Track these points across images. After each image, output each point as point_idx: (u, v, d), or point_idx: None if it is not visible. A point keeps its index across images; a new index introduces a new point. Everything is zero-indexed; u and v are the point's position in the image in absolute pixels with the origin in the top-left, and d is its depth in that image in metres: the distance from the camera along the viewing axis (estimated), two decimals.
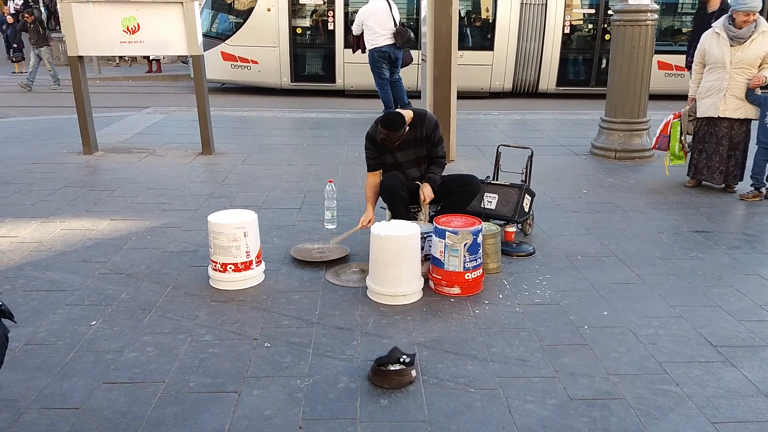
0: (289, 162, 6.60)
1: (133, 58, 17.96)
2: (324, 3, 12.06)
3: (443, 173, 4.24)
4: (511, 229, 4.27)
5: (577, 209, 5.13)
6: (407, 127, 3.96)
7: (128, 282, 3.68)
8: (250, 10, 11.90)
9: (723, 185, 5.66)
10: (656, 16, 6.52)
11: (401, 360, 2.75)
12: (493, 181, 4.55)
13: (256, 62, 12.05)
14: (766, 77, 5.23)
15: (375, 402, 2.58)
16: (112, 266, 3.90)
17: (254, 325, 3.19)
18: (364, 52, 8.94)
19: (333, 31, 12.06)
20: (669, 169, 6.07)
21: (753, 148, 5.50)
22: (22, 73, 14.91)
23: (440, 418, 2.48)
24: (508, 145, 4.80)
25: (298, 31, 12.23)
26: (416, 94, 9.86)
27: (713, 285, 3.75)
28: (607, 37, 12.44)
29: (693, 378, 2.77)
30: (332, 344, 3.02)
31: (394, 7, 8.78)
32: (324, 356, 2.91)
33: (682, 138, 5.82)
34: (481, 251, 3.58)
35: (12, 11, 18.85)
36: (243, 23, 11.99)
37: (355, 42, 9.28)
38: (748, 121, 5.47)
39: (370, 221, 4.05)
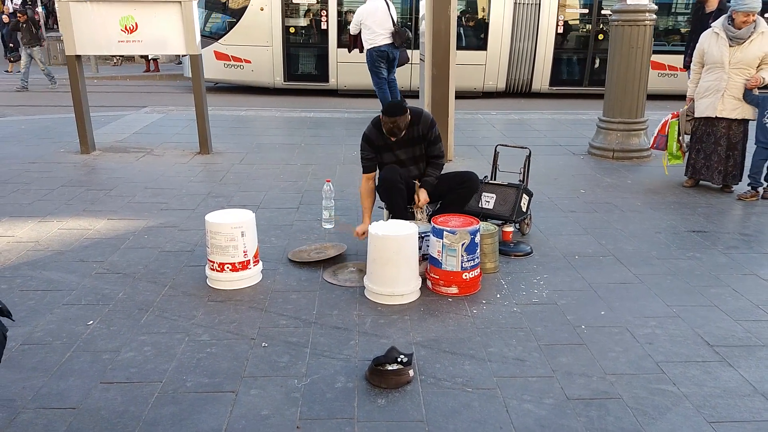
0: (286, 161, 6.60)
1: (129, 58, 17.92)
2: (317, 2, 12.05)
3: (442, 172, 4.23)
4: (509, 228, 4.27)
5: (574, 209, 5.13)
6: (409, 115, 3.94)
7: (125, 281, 3.68)
8: (243, 10, 11.88)
9: (721, 185, 5.67)
10: (654, 16, 6.52)
11: (399, 360, 2.75)
12: (491, 181, 4.55)
13: (249, 61, 12.04)
14: (764, 78, 5.24)
15: (372, 402, 2.58)
16: (109, 266, 3.90)
17: (251, 325, 3.19)
18: (361, 51, 8.94)
19: (326, 31, 12.05)
20: (667, 168, 6.08)
21: (751, 147, 5.51)
22: (13, 72, 14.82)
23: (437, 418, 2.48)
24: (506, 145, 4.80)
25: (292, 30, 12.22)
26: (408, 94, 9.89)
27: (710, 285, 3.75)
28: (600, 37, 12.49)
29: (690, 378, 2.78)
30: (330, 344, 3.02)
31: (392, 6, 8.79)
32: (321, 356, 2.91)
33: (680, 138, 5.82)
34: (478, 251, 3.58)
35: (11, 11, 18.80)
36: (236, 22, 11.97)
37: (351, 41, 9.23)
38: (746, 121, 5.48)
39: (364, 234, 3.98)
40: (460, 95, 11.33)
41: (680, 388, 2.70)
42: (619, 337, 3.12)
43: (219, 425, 2.42)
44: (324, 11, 11.97)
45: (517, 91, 12.62)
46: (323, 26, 12.05)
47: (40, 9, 22.35)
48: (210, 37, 12.10)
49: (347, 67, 11.87)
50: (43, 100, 11.61)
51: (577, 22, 12.63)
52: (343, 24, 12.08)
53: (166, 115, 9.28)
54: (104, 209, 4.96)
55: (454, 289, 3.53)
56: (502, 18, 11.99)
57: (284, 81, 12.30)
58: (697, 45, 5.62)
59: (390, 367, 2.71)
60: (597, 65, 12.53)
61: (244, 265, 3.60)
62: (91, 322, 3.20)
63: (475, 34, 12.39)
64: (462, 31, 12.38)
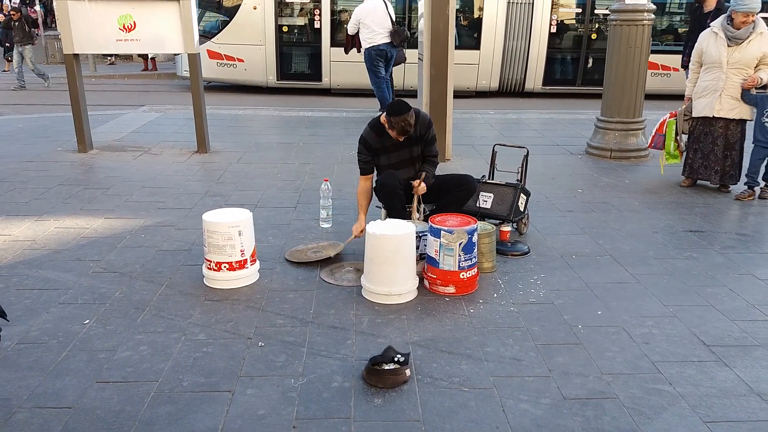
0: (284, 161, 6.59)
1: (126, 57, 17.87)
2: (310, 1, 12.03)
3: (437, 173, 4.23)
4: (507, 228, 4.28)
5: (572, 209, 5.13)
6: (413, 111, 3.93)
7: (122, 281, 3.67)
8: (236, 8, 11.85)
9: (719, 185, 5.67)
10: (653, 16, 6.53)
11: (395, 359, 2.75)
12: (488, 181, 4.55)
13: (242, 60, 12.01)
14: (761, 78, 5.24)
15: (369, 401, 2.58)
16: (106, 265, 3.89)
17: (248, 324, 3.19)
18: (359, 51, 8.93)
19: (319, 30, 12.02)
20: (664, 168, 6.09)
21: (749, 147, 5.52)
22: (10, 71, 14.75)
23: (434, 418, 2.48)
24: (503, 145, 4.80)
25: (284, 29, 12.19)
26: (401, 93, 9.88)
27: (707, 285, 3.76)
28: (593, 36, 12.49)
29: (686, 377, 2.78)
30: (327, 343, 3.02)
31: (390, 6, 8.79)
32: (318, 355, 2.91)
33: (678, 137, 5.83)
34: (476, 250, 3.58)
35: (9, 9, 18.76)
36: (229, 21, 11.95)
37: (348, 41, 9.18)
38: (743, 121, 5.48)
39: (362, 231, 4.00)
40: (454, 95, 11.35)
41: (676, 387, 2.71)
42: (615, 337, 3.12)
43: (215, 425, 2.42)
44: (317, 10, 11.95)
45: (511, 90, 12.62)
46: (316, 25, 12.03)
47: (38, 7, 22.31)
48: (203, 36, 12.06)
49: (340, 67, 11.87)
50: (41, 99, 11.59)
51: (571, 21, 12.62)
52: (336, 23, 12.07)
53: (163, 114, 9.27)
54: (101, 208, 4.95)
55: (451, 289, 3.53)
56: (495, 17, 11.97)
57: (277, 80, 12.28)
58: (696, 45, 5.63)
59: (387, 367, 2.71)
60: (590, 65, 12.55)
61: (242, 265, 3.59)
62: (88, 321, 3.20)
63: (468, 34, 12.39)
64: (455, 30, 12.38)
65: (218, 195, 5.36)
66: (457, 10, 12.47)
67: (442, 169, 4.31)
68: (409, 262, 3.48)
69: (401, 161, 4.12)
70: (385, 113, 3.93)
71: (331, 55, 11.99)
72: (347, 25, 9.16)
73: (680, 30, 12.69)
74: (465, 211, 4.01)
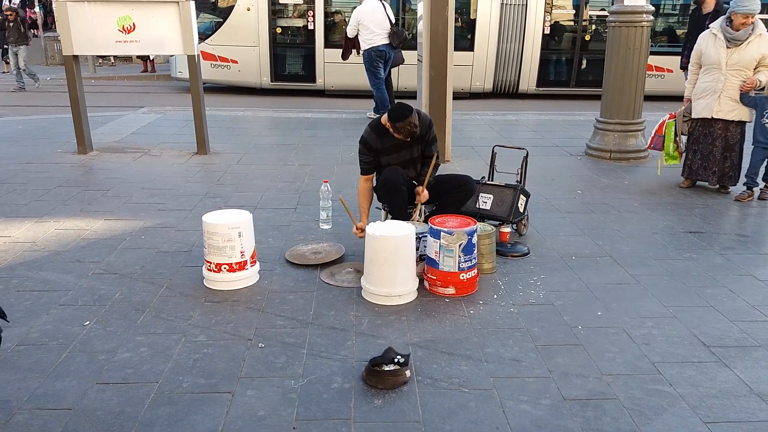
0: (284, 162, 6.59)
1: (126, 58, 17.89)
2: (304, 3, 12.03)
3: (438, 173, 4.23)
4: (506, 229, 4.28)
5: (571, 210, 5.14)
6: (414, 111, 3.93)
7: (122, 282, 3.67)
8: (229, 10, 11.86)
9: (718, 186, 5.68)
10: (651, 17, 6.53)
11: (395, 360, 2.75)
12: (488, 182, 4.55)
13: (236, 62, 12.02)
14: (759, 81, 5.24)
15: (369, 402, 2.58)
16: (106, 266, 3.89)
17: (248, 326, 3.19)
18: (359, 53, 8.93)
19: (313, 31, 12.04)
20: (662, 169, 6.10)
21: (749, 148, 5.52)
22: (9, 72, 14.74)
23: (434, 419, 2.48)
24: (503, 146, 4.80)
25: (278, 30, 12.20)
26: (397, 94, 9.87)
27: (707, 285, 3.76)
28: (587, 37, 12.51)
29: (686, 378, 2.78)
30: (326, 345, 3.02)
31: (388, 7, 8.80)
32: (318, 357, 2.91)
33: (677, 138, 5.84)
34: (476, 251, 3.59)
35: (6, 10, 18.75)
36: (223, 23, 11.95)
37: (347, 45, 9.08)
38: (743, 122, 5.49)
39: (363, 231, 3.99)
40: None
41: (676, 388, 2.71)
42: (615, 338, 3.13)
43: (215, 426, 2.42)
44: (311, 11, 11.96)
45: (504, 91, 12.64)
46: (310, 26, 12.04)
47: (37, 9, 22.32)
48: None
49: (334, 68, 11.89)
50: (40, 101, 11.59)
51: (564, 22, 12.64)
52: (330, 25, 12.08)
53: (163, 116, 9.27)
54: (101, 210, 4.95)
55: (451, 290, 3.53)
56: (489, 19, 11.99)
57: (271, 81, 12.29)
58: (695, 46, 5.63)
59: (387, 368, 2.71)
60: (584, 66, 12.58)
61: (241, 266, 3.59)
62: (88, 322, 3.20)
63: (462, 35, 12.40)
64: None
65: (218, 196, 5.36)
66: None
67: (441, 170, 4.31)
68: (408, 264, 3.48)
69: (402, 162, 4.12)
70: (388, 119, 3.93)
71: (325, 56, 12.02)
72: (346, 27, 9.14)
73: (673, 31, 12.70)
74: (465, 212, 4.02)
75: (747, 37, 5.24)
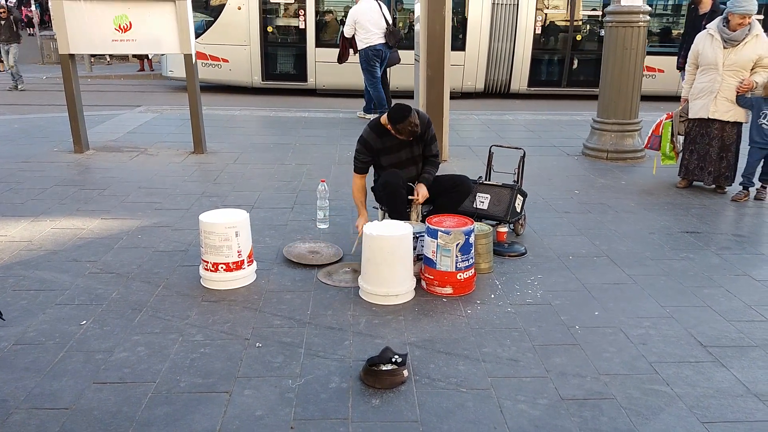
0: (281, 161, 6.59)
1: (123, 57, 17.83)
2: (295, 2, 12.01)
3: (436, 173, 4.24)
4: (503, 229, 4.28)
5: (568, 210, 5.14)
6: (414, 111, 3.93)
7: (119, 281, 3.66)
8: (220, 8, 11.82)
9: (713, 186, 5.69)
10: (648, 18, 6.55)
11: (393, 360, 2.75)
12: (485, 182, 4.56)
13: (227, 61, 11.98)
14: (756, 82, 5.25)
15: (367, 402, 2.58)
16: (103, 265, 3.88)
17: (246, 325, 3.18)
18: (356, 53, 8.93)
19: (304, 30, 12.01)
20: (658, 169, 6.11)
21: (745, 149, 5.53)
22: (1, 72, 14.66)
23: (432, 418, 2.48)
24: (500, 146, 4.81)
25: (269, 29, 12.18)
26: (397, 94, 9.88)
27: (703, 285, 3.77)
28: (578, 37, 12.52)
29: (683, 378, 2.79)
30: (324, 344, 3.02)
31: (384, 7, 8.81)
32: (316, 356, 2.91)
33: (674, 138, 5.85)
34: (473, 251, 3.59)
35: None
36: (213, 21, 11.92)
37: (343, 48, 9.02)
38: (739, 123, 5.50)
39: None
40: None
41: (673, 388, 2.71)
42: (612, 338, 3.13)
43: (213, 426, 2.42)
44: (302, 10, 11.94)
45: (496, 91, 12.64)
46: (301, 25, 12.02)
47: (33, 7, 22.25)
48: None
49: (326, 67, 11.88)
50: (37, 99, 11.55)
51: (556, 22, 12.65)
52: (321, 24, 12.07)
53: (160, 115, 9.25)
54: (98, 209, 4.94)
55: (448, 290, 3.53)
56: (480, 18, 11.98)
57: (262, 80, 12.26)
58: (692, 46, 5.64)
59: (384, 368, 2.71)
60: (575, 66, 12.60)
61: (238, 265, 3.59)
62: (84, 322, 3.19)
63: (453, 35, 12.37)
64: None
65: (215, 196, 5.35)
66: None
67: (439, 169, 4.31)
68: (406, 263, 3.48)
69: (403, 161, 4.12)
70: (388, 120, 3.93)
71: (316, 55, 12.01)
72: (338, 26, 9.10)
73: (665, 32, 12.71)
74: (462, 212, 4.02)
75: (744, 38, 5.26)
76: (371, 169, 4.27)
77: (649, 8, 6.57)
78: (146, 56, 15.99)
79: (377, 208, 4.34)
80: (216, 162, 6.52)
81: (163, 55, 12.65)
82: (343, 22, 12.04)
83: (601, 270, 3.97)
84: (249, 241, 3.67)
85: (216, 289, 3.57)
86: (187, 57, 6.64)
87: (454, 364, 2.86)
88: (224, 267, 3.55)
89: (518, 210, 4.43)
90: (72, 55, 6.58)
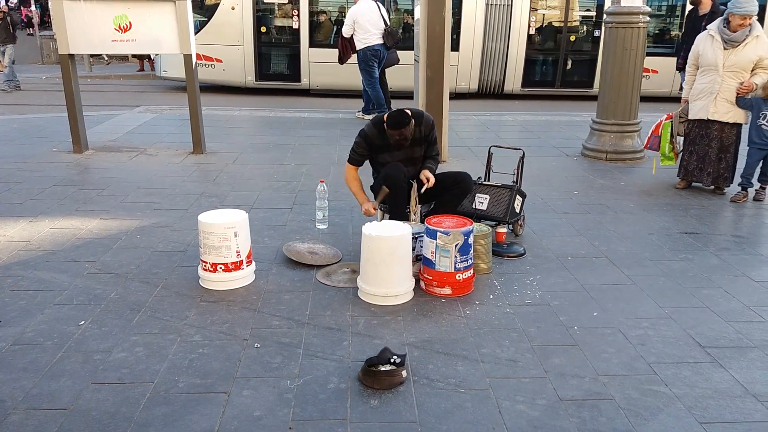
0: (280, 162, 6.59)
1: (123, 57, 17.82)
2: (288, 2, 12.00)
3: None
4: (502, 229, 4.28)
5: (567, 210, 5.14)
6: (413, 121, 3.95)
7: (117, 282, 3.66)
8: (214, 9, 11.81)
9: (712, 187, 5.69)
10: (648, 18, 6.55)
11: (392, 360, 2.74)
12: (484, 182, 4.56)
13: (221, 61, 11.97)
14: (756, 84, 5.25)
15: (365, 402, 2.58)
16: (102, 266, 3.88)
17: (244, 326, 3.18)
18: (355, 52, 8.93)
19: (298, 30, 12.02)
20: (657, 170, 6.11)
21: (744, 150, 5.54)
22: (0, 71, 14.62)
23: (430, 419, 2.48)
24: (499, 146, 4.81)
25: (263, 29, 12.17)
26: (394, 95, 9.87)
27: (702, 286, 3.77)
28: (572, 38, 12.53)
29: (682, 378, 2.79)
30: (323, 345, 3.02)
31: (383, 7, 8.82)
32: (314, 357, 2.91)
33: (673, 139, 5.85)
34: (472, 252, 3.59)
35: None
36: (207, 22, 11.92)
37: (342, 49, 9.00)
38: (738, 124, 5.50)
39: (374, 207, 4.08)
40: None
41: (672, 389, 2.71)
42: (611, 338, 3.13)
43: (211, 426, 2.41)
44: (295, 10, 11.94)
45: (490, 92, 12.64)
46: (295, 26, 12.02)
47: (33, 7, 22.24)
48: None
49: (319, 67, 11.90)
50: (36, 99, 11.55)
51: (550, 23, 12.66)
52: (315, 24, 12.07)
53: (159, 115, 9.26)
54: (97, 209, 4.93)
55: (447, 290, 3.53)
56: (474, 19, 11.98)
57: (256, 80, 12.26)
58: (693, 47, 5.64)
59: (383, 368, 2.71)
60: (569, 67, 12.61)
61: (237, 266, 3.59)
62: (83, 322, 3.19)
63: None
64: None
65: (214, 196, 5.35)
66: None
67: (438, 169, 4.30)
68: (405, 264, 3.48)
69: (402, 161, 4.12)
70: (385, 120, 3.95)
71: (309, 55, 12.01)
72: (332, 27, 9.09)
73: (658, 33, 12.71)
74: (461, 213, 4.01)
75: (744, 39, 5.25)
76: (371, 169, 4.27)
77: (649, 9, 6.58)
78: (148, 56, 15.97)
79: (377, 209, 4.33)
80: (215, 162, 6.52)
81: (156, 55, 12.63)
82: (338, 23, 12.08)
83: (600, 271, 3.97)
84: (248, 241, 3.67)
85: (215, 290, 3.57)
86: (187, 57, 6.63)
87: (453, 364, 2.86)
88: (223, 267, 3.55)
89: (517, 210, 4.43)
90: (71, 55, 6.57)
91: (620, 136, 6.82)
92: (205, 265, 3.58)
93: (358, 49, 8.77)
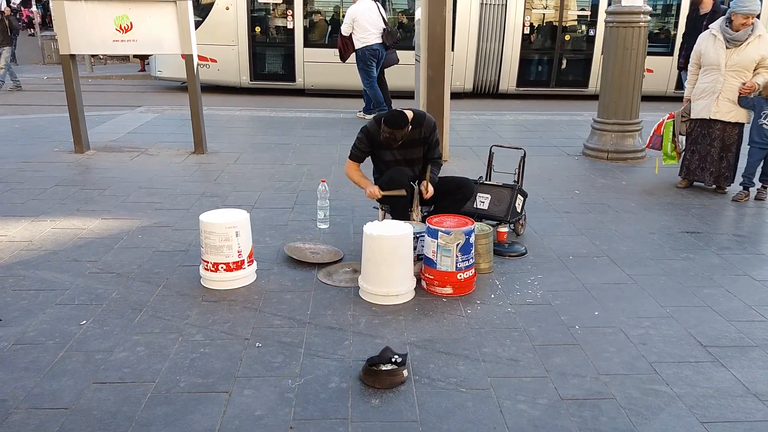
0: (281, 161, 6.59)
1: (124, 58, 17.82)
2: (283, 2, 12.00)
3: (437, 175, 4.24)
4: (504, 229, 4.28)
5: (569, 210, 5.14)
6: (410, 126, 3.95)
7: (119, 281, 3.67)
8: (208, 8, 11.82)
9: (714, 186, 5.69)
10: (649, 18, 6.55)
11: (393, 360, 2.75)
12: (485, 182, 4.56)
13: (215, 61, 11.97)
14: (758, 84, 5.24)
15: (366, 402, 2.58)
16: (103, 265, 3.88)
17: (245, 325, 3.18)
18: (352, 51, 8.93)
19: (292, 30, 12.03)
20: (660, 169, 6.11)
21: (746, 149, 5.53)
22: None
23: (431, 418, 2.48)
24: (501, 146, 4.81)
25: (257, 29, 12.18)
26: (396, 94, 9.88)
27: (703, 285, 3.77)
28: (567, 37, 12.52)
29: (683, 378, 2.79)
30: (324, 344, 3.02)
31: (381, 7, 8.83)
32: (315, 356, 2.91)
33: (676, 139, 5.84)
34: (473, 251, 3.59)
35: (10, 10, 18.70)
36: (201, 21, 11.92)
37: (342, 47, 8.98)
38: (740, 123, 5.49)
39: (379, 191, 4.03)
40: None
41: (673, 388, 2.71)
42: (612, 338, 3.13)
43: (212, 425, 2.42)
44: (290, 10, 11.94)
45: (485, 92, 12.64)
46: (289, 25, 12.02)
47: (35, 8, 22.27)
48: None
49: (314, 67, 11.91)
50: (37, 99, 11.56)
51: (544, 22, 12.65)
52: (309, 24, 12.07)
53: (160, 115, 9.26)
54: (98, 209, 4.94)
55: (448, 290, 3.53)
56: (468, 19, 11.97)
57: (250, 80, 12.27)
58: (695, 46, 5.64)
59: (384, 368, 2.71)
60: (564, 66, 12.60)
61: (239, 265, 3.59)
62: (84, 321, 3.19)
63: None
64: None
65: (215, 196, 5.35)
66: None
67: (440, 173, 4.31)
68: (406, 263, 3.48)
69: (401, 160, 4.12)
70: (383, 117, 3.95)
71: (304, 55, 12.02)
72: (341, 26, 9.11)
73: (654, 32, 12.68)
74: (462, 212, 4.01)
75: (746, 38, 5.24)
76: (373, 168, 4.27)
77: (650, 9, 6.57)
78: (146, 56, 15.98)
79: (377, 208, 4.33)
80: (216, 162, 6.53)
81: (150, 55, 12.62)
82: (332, 22, 12.08)
83: (601, 270, 3.96)
84: (249, 241, 3.67)
85: (216, 289, 3.57)
86: (188, 57, 6.63)
87: (454, 364, 2.86)
88: (224, 267, 3.55)
89: (519, 210, 4.43)
90: (73, 56, 6.58)
91: (621, 135, 6.81)
92: (207, 265, 3.58)
93: (356, 48, 8.77)
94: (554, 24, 12.51)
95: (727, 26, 5.33)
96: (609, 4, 11.75)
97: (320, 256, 4.02)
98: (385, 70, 9.21)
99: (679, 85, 11.64)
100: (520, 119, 9.50)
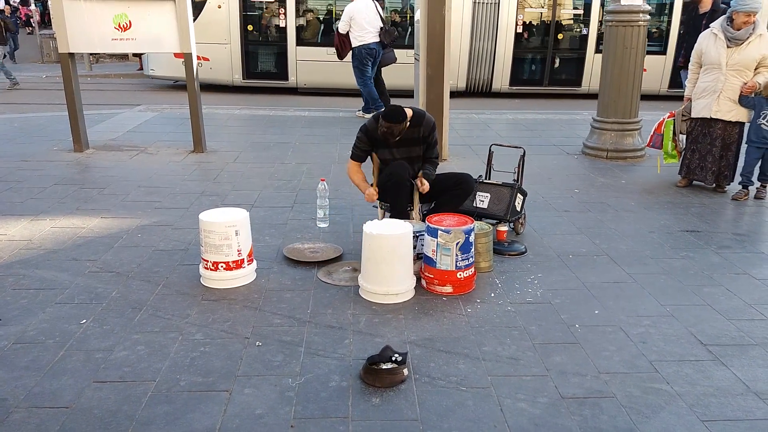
0: (281, 160, 6.58)
1: (123, 56, 17.80)
2: (275, 0, 11.99)
3: (436, 172, 4.23)
4: (503, 228, 4.28)
5: (568, 208, 5.14)
6: (408, 122, 3.95)
7: (119, 280, 3.66)
8: (200, 7, 11.78)
9: (714, 185, 5.69)
10: (648, 17, 6.55)
11: (393, 359, 2.75)
12: (485, 181, 4.56)
13: (207, 59, 11.91)
14: (759, 83, 5.24)
15: (367, 401, 2.58)
16: (103, 264, 3.88)
17: (246, 324, 3.18)
18: (351, 49, 8.92)
19: (285, 28, 12.02)
20: (661, 168, 6.11)
21: (745, 147, 5.53)
22: None
23: (432, 417, 2.48)
24: (500, 145, 4.80)
25: (250, 28, 12.17)
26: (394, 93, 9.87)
27: (704, 284, 3.77)
28: (560, 36, 12.52)
29: (683, 376, 2.79)
30: (324, 343, 3.02)
31: (379, 6, 8.82)
32: (316, 355, 2.91)
33: (676, 138, 5.84)
34: (473, 250, 3.59)
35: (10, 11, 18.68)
36: (194, 20, 11.89)
37: (339, 45, 8.96)
38: (741, 123, 5.49)
39: (375, 191, 4.07)
40: None
41: (673, 386, 2.71)
42: (612, 336, 3.13)
43: (213, 424, 2.42)
44: (282, 9, 11.92)
45: (478, 90, 12.63)
46: (282, 24, 12.01)
47: (34, 6, 22.24)
48: None
49: (307, 66, 11.91)
50: (36, 98, 11.55)
51: (537, 21, 12.65)
52: (302, 22, 12.07)
53: (159, 114, 9.25)
54: (97, 208, 4.93)
55: (448, 288, 3.53)
56: (461, 17, 11.94)
57: (243, 79, 12.26)
58: (696, 45, 5.63)
59: (384, 366, 2.71)
60: (557, 65, 12.61)
61: (238, 264, 3.59)
62: (84, 320, 3.19)
63: None
64: None
65: (215, 194, 5.34)
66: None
67: (439, 168, 4.31)
68: (406, 262, 3.48)
69: (401, 158, 4.11)
70: (381, 112, 3.95)
71: (297, 54, 12.02)
72: (338, 24, 9.08)
73: (648, 32, 12.69)
74: (462, 211, 4.01)
75: (747, 37, 5.23)
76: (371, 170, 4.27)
77: (649, 8, 6.57)
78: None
79: (377, 207, 4.33)
80: (216, 161, 6.52)
81: (142, 54, 12.59)
82: (325, 21, 12.07)
83: (601, 269, 3.97)
84: (249, 239, 3.67)
85: (216, 288, 3.57)
86: (188, 56, 6.63)
87: (454, 362, 2.86)
88: (224, 266, 3.55)
89: (518, 209, 4.43)
90: (72, 54, 6.57)
91: (621, 134, 6.81)
92: (207, 264, 3.58)
93: (353, 46, 8.76)
94: (547, 23, 12.51)
95: (728, 25, 5.32)
96: (602, 4, 11.85)
97: (320, 255, 4.02)
98: (382, 69, 9.21)
99: (674, 84, 11.66)
100: (519, 118, 9.50)
